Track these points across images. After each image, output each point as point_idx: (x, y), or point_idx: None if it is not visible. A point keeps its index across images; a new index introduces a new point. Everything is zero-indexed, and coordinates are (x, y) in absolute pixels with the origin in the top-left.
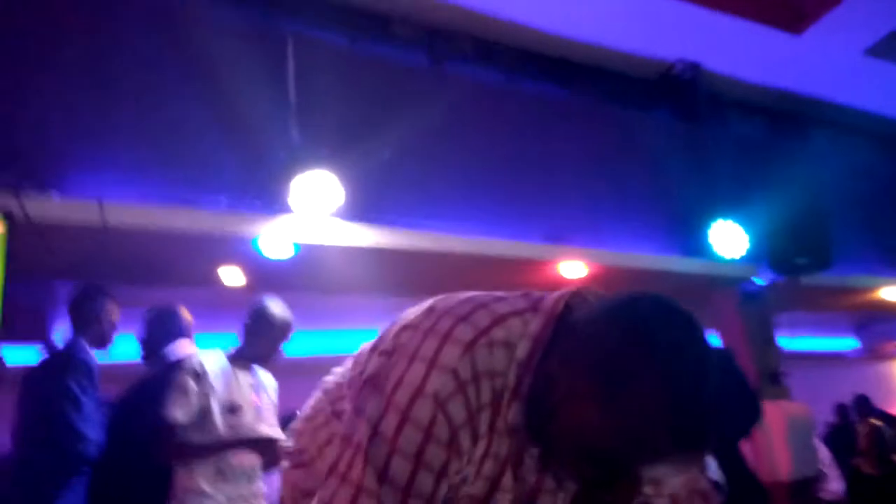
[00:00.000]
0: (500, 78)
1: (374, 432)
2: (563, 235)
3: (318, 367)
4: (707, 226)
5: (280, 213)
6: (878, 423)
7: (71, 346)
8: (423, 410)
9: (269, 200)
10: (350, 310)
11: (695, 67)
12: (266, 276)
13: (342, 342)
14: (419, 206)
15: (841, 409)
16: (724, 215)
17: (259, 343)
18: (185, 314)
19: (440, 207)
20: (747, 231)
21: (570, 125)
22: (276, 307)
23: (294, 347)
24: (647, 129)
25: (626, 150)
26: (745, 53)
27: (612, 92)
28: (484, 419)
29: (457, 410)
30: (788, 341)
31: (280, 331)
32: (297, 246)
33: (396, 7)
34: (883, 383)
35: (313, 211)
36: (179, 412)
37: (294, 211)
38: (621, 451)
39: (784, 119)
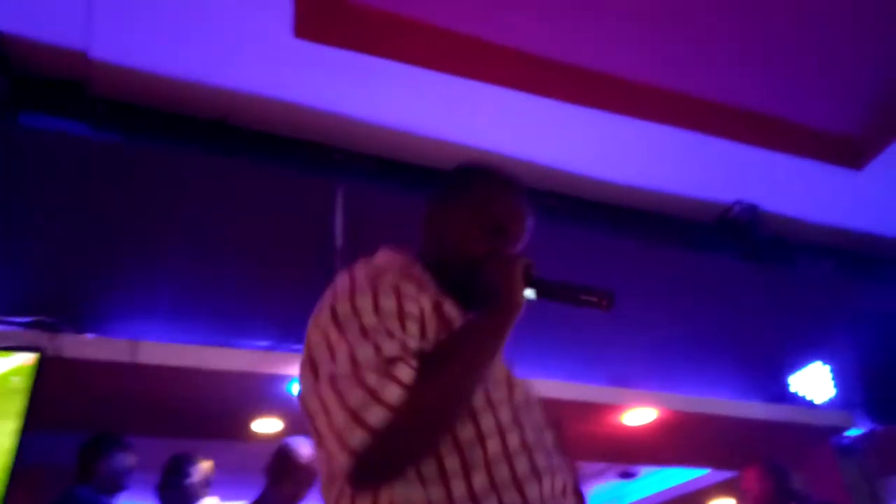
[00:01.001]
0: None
1: (338, 324)
2: (630, 379)
3: None
4: (789, 370)
5: None
6: None
7: (70, 492)
8: (363, 292)
9: None
10: None
11: (752, 209)
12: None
13: None
14: None
15: None
16: (808, 359)
17: (283, 488)
18: (205, 464)
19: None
20: (834, 375)
21: (629, 268)
22: (303, 447)
23: None
24: (712, 270)
25: (692, 293)
26: (805, 192)
27: (671, 236)
28: (407, 285)
29: (385, 281)
30: None
31: (306, 473)
32: None
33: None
34: None
35: None
36: None
37: None
38: (494, 218)
39: (852, 257)
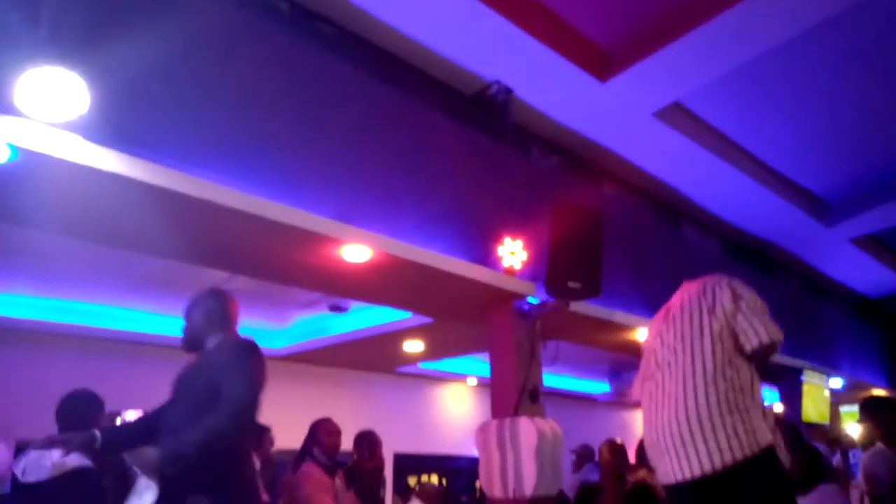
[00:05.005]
0: (320, 46)
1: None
2: (353, 216)
3: None
4: (495, 240)
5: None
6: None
7: None
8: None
9: None
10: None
11: (508, 92)
12: None
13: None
14: (190, 150)
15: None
16: (512, 233)
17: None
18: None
19: (215, 156)
20: (530, 251)
21: (379, 114)
22: None
23: None
24: (456, 138)
25: (430, 153)
26: (555, 90)
27: (428, 94)
28: None
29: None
30: (548, 376)
31: None
32: (14, 149)
33: None
34: (628, 428)
35: (48, 115)
36: None
37: (22, 112)
38: None
39: (578, 162)
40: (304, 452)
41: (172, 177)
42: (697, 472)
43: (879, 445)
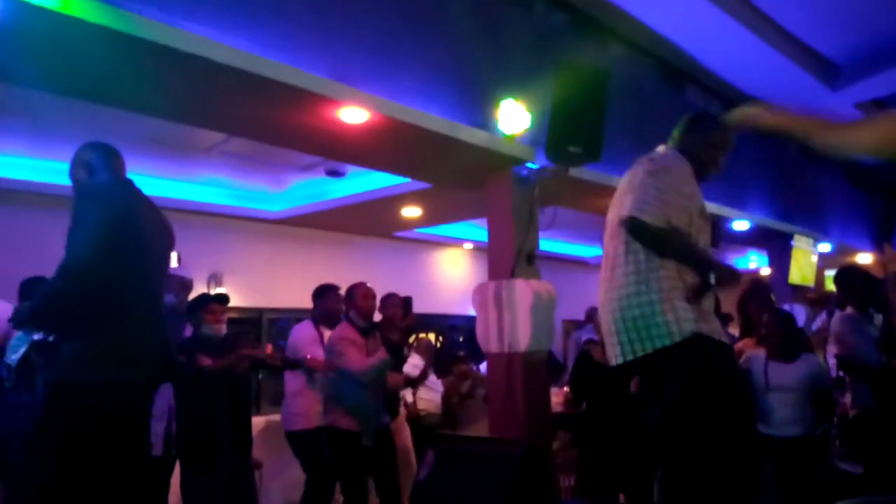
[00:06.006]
0: None
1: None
2: (348, 76)
3: None
4: (495, 102)
5: None
6: None
7: None
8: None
9: None
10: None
11: None
12: None
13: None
14: (181, 3)
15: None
16: (513, 94)
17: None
18: None
19: (208, 10)
20: (532, 114)
21: None
22: None
23: None
24: None
25: (431, 9)
26: None
27: None
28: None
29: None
30: (543, 241)
31: None
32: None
33: None
34: None
35: None
36: None
37: None
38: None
39: (585, 19)
40: (343, 315)
41: (162, 30)
42: (614, 363)
43: (850, 309)
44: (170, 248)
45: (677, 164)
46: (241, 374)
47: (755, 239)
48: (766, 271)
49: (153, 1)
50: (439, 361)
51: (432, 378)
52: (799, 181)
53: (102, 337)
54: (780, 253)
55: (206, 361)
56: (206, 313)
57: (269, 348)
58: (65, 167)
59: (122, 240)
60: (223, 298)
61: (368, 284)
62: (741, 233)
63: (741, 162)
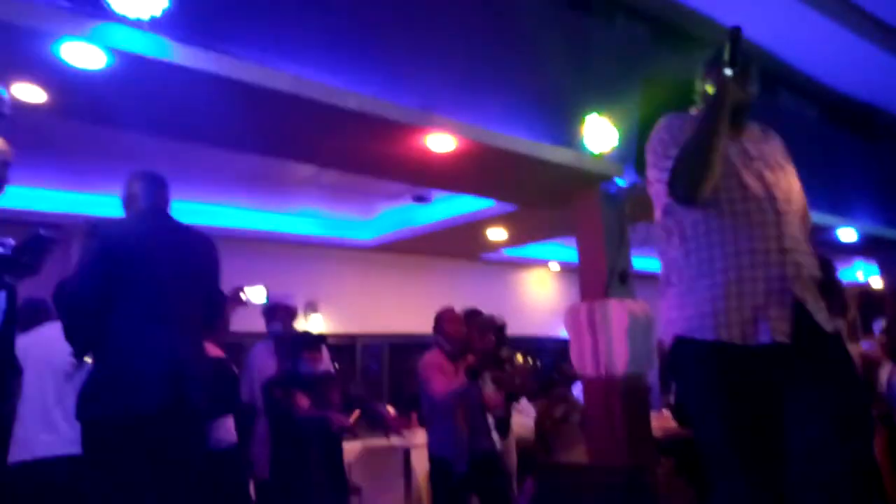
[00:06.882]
0: None
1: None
2: (435, 105)
3: None
4: (580, 119)
5: (93, 14)
6: None
7: None
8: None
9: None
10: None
11: None
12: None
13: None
14: (271, 43)
15: None
16: (598, 111)
17: None
18: None
19: (298, 50)
20: (619, 130)
21: None
22: None
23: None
24: (535, 13)
25: (511, 30)
26: None
27: None
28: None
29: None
30: (637, 259)
31: None
32: (109, 54)
33: None
34: None
35: (136, 13)
36: None
37: (115, 10)
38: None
39: (667, 30)
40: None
41: (257, 72)
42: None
43: None
44: (202, 272)
45: None
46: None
47: (863, 249)
48: (876, 282)
49: (248, 44)
50: (531, 384)
51: (524, 402)
52: None
53: (101, 369)
54: (891, 263)
55: (303, 402)
56: (305, 350)
57: (390, 412)
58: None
59: (112, 270)
60: (322, 339)
61: (456, 309)
62: (848, 243)
63: (844, 166)
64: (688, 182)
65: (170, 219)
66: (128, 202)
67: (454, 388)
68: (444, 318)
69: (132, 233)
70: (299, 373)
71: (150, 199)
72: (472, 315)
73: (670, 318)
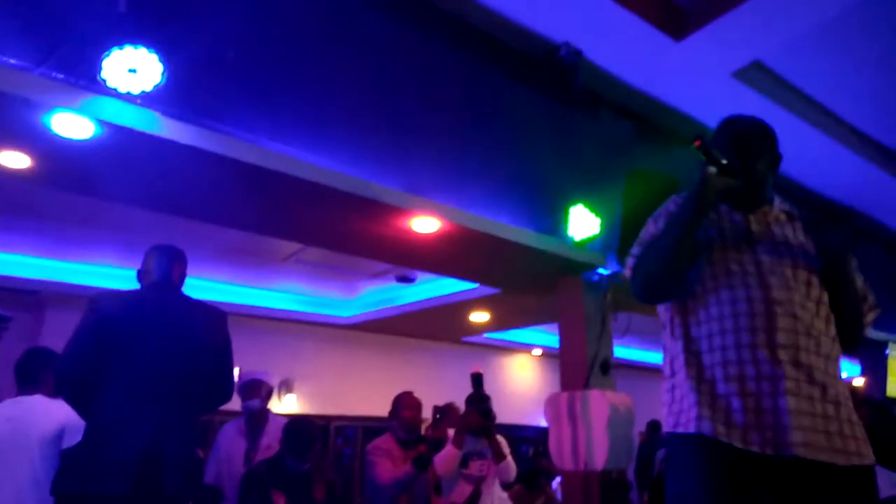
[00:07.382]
0: (386, 15)
1: None
2: (421, 187)
3: None
4: (564, 208)
5: (87, 88)
6: None
7: None
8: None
9: (73, 72)
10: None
11: (578, 54)
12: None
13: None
14: (261, 122)
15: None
16: (582, 200)
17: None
18: None
19: (287, 129)
20: (602, 220)
21: (446, 81)
22: None
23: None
24: (522, 104)
25: (498, 119)
26: (627, 51)
27: (496, 60)
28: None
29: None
30: (618, 348)
31: None
32: (98, 124)
33: None
34: None
35: (128, 88)
36: None
37: (108, 85)
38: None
39: (651, 126)
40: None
41: (245, 149)
42: (848, 462)
43: None
44: (206, 349)
45: None
46: None
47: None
48: (858, 382)
49: (238, 122)
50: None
51: (500, 492)
52: (892, 287)
53: (82, 443)
54: (874, 363)
55: (279, 501)
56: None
57: None
58: (180, 281)
59: (102, 343)
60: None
61: (433, 392)
62: None
63: None
64: (643, 283)
65: (179, 294)
66: (142, 275)
67: (398, 476)
68: (401, 403)
69: (130, 306)
70: (284, 467)
71: (162, 273)
72: (436, 407)
73: (668, 412)
